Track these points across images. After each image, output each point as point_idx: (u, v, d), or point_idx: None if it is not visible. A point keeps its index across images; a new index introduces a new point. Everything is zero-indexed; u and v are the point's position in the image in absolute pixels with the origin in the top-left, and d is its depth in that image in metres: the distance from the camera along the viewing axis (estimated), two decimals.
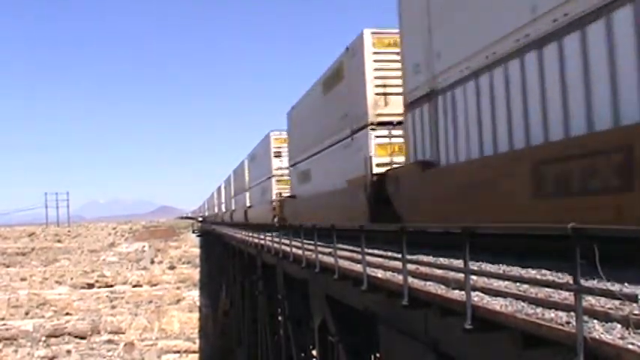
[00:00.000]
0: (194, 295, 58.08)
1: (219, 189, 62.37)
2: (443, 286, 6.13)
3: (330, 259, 10.12)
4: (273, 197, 26.55)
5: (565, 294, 4.60)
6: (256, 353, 25.08)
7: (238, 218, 40.65)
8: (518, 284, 5.40)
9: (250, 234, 22.48)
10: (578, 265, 3.84)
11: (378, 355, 10.10)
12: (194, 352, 55.22)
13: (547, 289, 4.97)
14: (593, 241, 3.87)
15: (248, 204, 36.42)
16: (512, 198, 7.16)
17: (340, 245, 10.17)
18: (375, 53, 12.91)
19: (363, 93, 13.00)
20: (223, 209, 55.83)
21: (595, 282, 4.49)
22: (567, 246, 3.91)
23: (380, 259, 8.34)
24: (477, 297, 5.28)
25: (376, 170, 12.52)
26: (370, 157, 12.59)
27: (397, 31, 11.51)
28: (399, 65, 11.45)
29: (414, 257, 7.57)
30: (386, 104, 12.76)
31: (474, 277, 5.56)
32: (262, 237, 18.83)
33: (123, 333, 54.87)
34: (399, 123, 11.71)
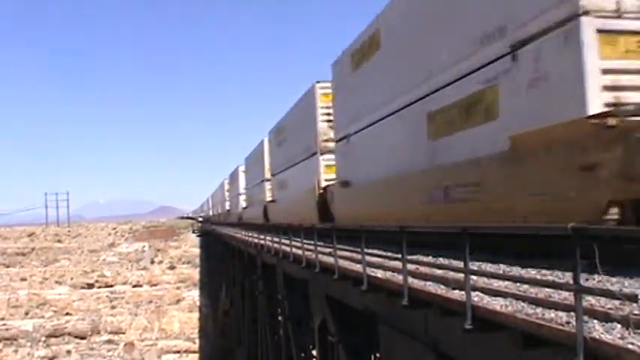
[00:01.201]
0: (194, 295, 58.08)
1: (233, 175, 43.72)
2: (443, 286, 6.12)
3: (330, 259, 10.12)
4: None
5: (565, 294, 4.60)
6: (256, 353, 25.06)
7: (278, 215, 23.31)
8: (518, 284, 5.40)
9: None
10: (578, 265, 3.84)
11: (378, 355, 10.10)
12: (194, 352, 55.22)
13: (547, 289, 4.97)
14: (593, 241, 3.87)
15: (297, 188, 20.47)
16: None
17: (340, 245, 10.17)
18: None
19: None
20: (242, 204, 37.81)
21: (595, 282, 4.50)
22: (567, 246, 3.92)
23: (380, 259, 8.34)
24: (477, 297, 5.27)
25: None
26: None
27: None
28: None
29: (414, 257, 7.57)
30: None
31: (474, 277, 5.56)
32: (262, 237, 18.70)
33: (123, 333, 54.87)
34: None
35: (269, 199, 26.75)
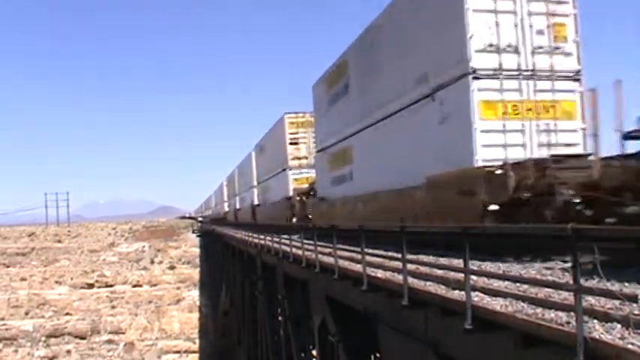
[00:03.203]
0: (194, 295, 58.01)
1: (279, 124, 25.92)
2: (443, 286, 6.12)
3: (330, 259, 10.12)
4: None
5: (565, 294, 4.60)
6: (256, 353, 25.06)
7: None
8: (518, 284, 5.40)
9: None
10: (578, 265, 3.84)
11: (378, 355, 10.10)
12: (194, 352, 55.16)
13: (547, 289, 4.97)
14: (593, 241, 3.88)
15: None
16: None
17: (340, 245, 10.17)
18: None
19: None
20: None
21: (595, 282, 4.50)
22: (567, 246, 3.92)
23: (380, 259, 8.34)
24: (477, 297, 5.28)
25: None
26: None
27: None
28: None
29: (414, 257, 7.57)
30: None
31: (474, 277, 5.56)
32: (263, 237, 18.73)
33: (123, 333, 54.82)
34: None
35: None
